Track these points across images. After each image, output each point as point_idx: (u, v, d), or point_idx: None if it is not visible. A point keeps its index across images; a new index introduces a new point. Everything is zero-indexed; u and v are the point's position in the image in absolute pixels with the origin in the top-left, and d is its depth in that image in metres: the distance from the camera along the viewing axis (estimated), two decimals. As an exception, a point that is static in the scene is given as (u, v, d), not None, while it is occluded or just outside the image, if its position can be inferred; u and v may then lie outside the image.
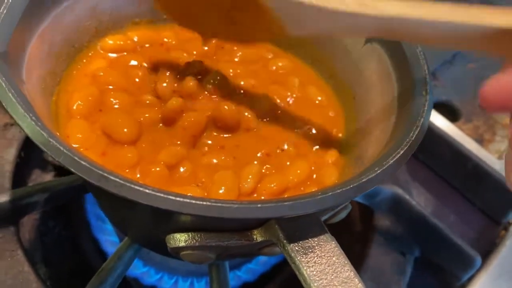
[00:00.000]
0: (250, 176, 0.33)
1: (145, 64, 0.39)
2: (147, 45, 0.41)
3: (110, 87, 0.37)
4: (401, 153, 0.28)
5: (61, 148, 0.24)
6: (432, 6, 0.26)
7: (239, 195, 0.32)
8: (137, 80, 0.38)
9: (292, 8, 0.29)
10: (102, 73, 0.37)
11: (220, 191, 0.31)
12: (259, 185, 0.33)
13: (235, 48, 0.43)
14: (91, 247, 0.50)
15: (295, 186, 0.34)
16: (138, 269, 0.48)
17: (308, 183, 0.34)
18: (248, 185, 0.32)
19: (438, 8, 0.26)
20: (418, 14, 0.26)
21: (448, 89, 0.71)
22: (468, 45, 0.26)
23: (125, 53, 0.40)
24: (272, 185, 0.33)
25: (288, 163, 0.35)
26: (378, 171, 0.27)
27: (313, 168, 0.35)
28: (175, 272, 0.49)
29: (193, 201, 0.24)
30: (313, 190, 0.28)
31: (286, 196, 0.33)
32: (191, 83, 0.36)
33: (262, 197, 0.33)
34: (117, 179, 0.24)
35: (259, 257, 0.49)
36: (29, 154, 0.50)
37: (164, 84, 0.36)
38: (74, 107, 0.34)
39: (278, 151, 0.36)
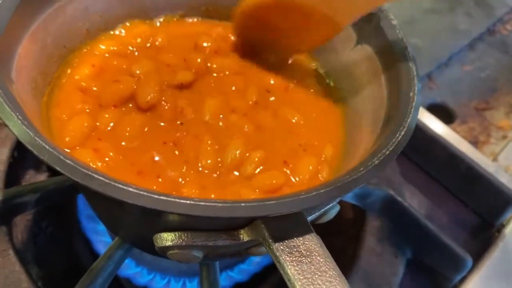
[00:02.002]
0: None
1: (138, 71, 0.38)
2: (135, 49, 0.41)
3: None
4: (386, 153, 0.28)
5: (46, 147, 0.25)
6: None
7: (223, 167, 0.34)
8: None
9: None
10: (95, 88, 0.37)
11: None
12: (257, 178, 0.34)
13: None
14: (84, 247, 0.50)
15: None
16: (130, 269, 0.48)
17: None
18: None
19: None
20: None
21: (443, 91, 0.71)
22: None
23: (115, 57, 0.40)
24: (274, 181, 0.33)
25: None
26: (363, 171, 0.27)
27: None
28: (168, 272, 0.49)
29: (177, 200, 0.24)
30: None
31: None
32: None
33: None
34: (102, 178, 0.24)
35: (251, 258, 0.49)
36: (23, 154, 0.50)
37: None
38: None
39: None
